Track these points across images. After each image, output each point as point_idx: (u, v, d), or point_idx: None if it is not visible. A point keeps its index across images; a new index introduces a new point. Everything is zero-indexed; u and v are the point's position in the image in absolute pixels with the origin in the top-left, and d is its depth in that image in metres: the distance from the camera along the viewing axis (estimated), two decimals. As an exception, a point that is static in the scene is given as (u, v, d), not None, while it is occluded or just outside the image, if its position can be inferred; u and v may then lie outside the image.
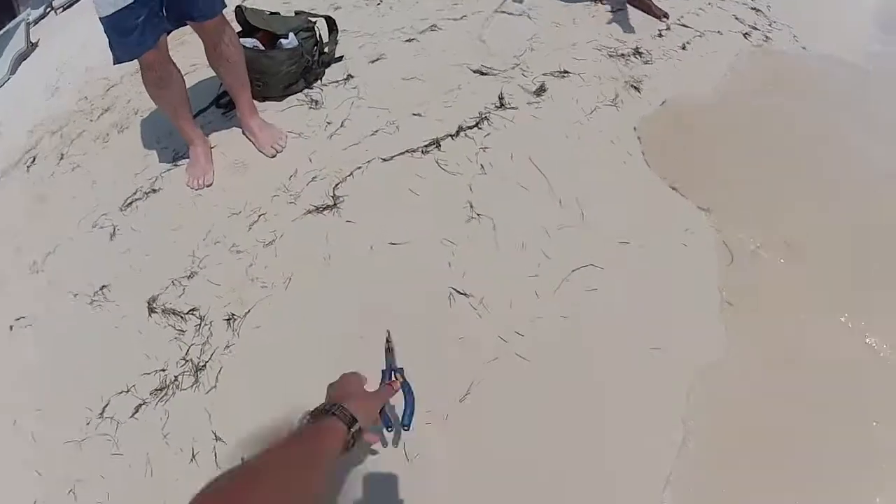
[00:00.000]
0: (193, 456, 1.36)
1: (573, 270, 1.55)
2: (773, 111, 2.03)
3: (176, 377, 1.53)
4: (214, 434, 1.39)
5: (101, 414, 1.49)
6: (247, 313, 1.62)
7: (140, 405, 1.49)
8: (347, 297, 1.60)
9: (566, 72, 2.22)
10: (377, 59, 2.40)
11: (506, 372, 1.39)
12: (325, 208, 1.81)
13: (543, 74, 2.20)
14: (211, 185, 2.01)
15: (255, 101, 2.16)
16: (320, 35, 2.46)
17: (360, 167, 1.91)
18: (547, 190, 1.76)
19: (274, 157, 2.04)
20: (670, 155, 1.87)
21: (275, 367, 1.50)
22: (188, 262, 1.79)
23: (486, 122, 2.00)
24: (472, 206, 1.73)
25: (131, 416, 1.47)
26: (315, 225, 1.78)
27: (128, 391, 1.52)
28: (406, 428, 1.14)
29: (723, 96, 2.10)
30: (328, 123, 2.12)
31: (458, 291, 1.53)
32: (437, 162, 1.89)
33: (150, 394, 1.51)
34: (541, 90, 2.13)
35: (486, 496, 1.23)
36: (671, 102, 2.08)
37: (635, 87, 2.14)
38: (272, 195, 1.89)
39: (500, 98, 2.10)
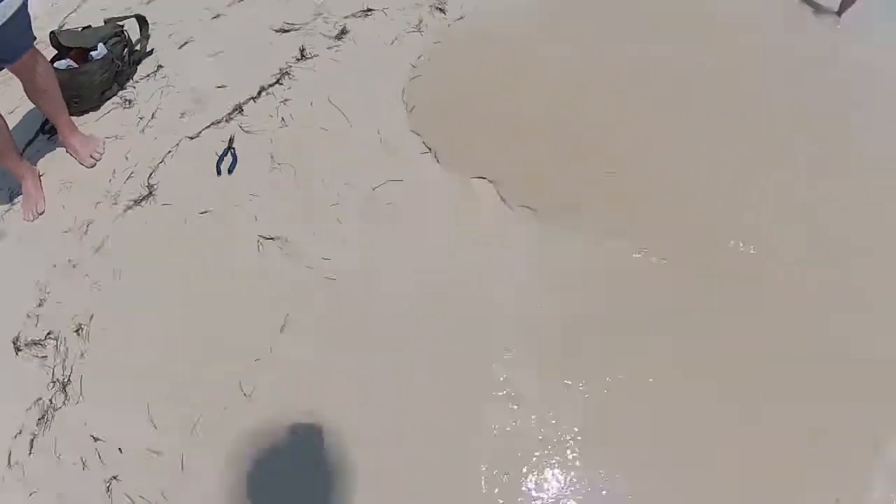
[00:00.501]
0: (84, 464, 1.43)
1: (374, 188, 1.62)
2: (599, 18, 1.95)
3: (50, 400, 1.58)
4: (93, 437, 1.46)
5: (8, 464, 1.52)
6: (91, 318, 1.67)
7: (33, 439, 1.54)
8: (170, 273, 1.67)
9: (369, 10, 2.22)
10: (185, 44, 2.38)
11: (316, 294, 1.47)
12: (141, 199, 1.84)
13: (345, 17, 2.21)
14: (44, 212, 2.02)
15: (74, 117, 2.14)
16: (129, 36, 2.42)
17: (170, 151, 1.94)
18: (347, 126, 1.81)
19: (93, 166, 2.04)
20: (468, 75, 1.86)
21: (127, 358, 1.56)
22: (36, 292, 1.81)
23: (287, 77, 2.02)
24: (272, 158, 1.78)
25: (30, 454, 1.51)
26: (135, 217, 1.82)
27: (21, 432, 1.56)
28: (230, 173, 1.78)
29: (533, 4, 2.03)
30: (140, 118, 2.12)
31: (265, 238, 1.60)
32: (240, 126, 1.92)
33: (37, 424, 1.56)
34: (342, 34, 2.15)
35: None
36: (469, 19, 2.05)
37: (440, 9, 2.15)
38: (96, 202, 1.91)
39: (301, 50, 2.11)
